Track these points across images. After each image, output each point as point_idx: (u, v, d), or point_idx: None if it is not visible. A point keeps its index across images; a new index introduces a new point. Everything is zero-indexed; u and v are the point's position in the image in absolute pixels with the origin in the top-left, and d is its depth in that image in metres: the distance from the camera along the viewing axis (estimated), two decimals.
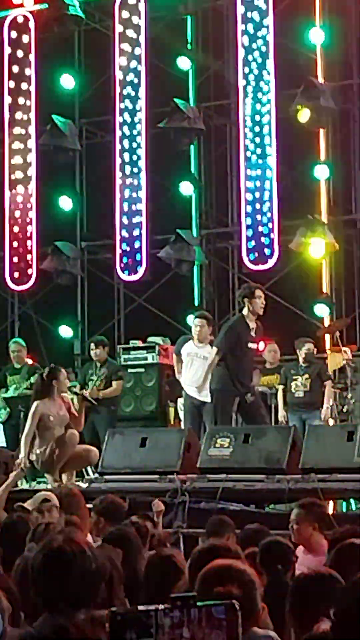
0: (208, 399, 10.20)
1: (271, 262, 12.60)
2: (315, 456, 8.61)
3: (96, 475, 9.68)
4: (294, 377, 11.23)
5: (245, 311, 9.97)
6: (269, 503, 8.76)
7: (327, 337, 11.79)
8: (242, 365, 9.94)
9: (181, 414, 11.32)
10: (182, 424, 11.03)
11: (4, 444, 12.07)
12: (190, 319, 12.77)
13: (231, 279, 13.27)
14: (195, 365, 10.28)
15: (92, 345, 11.79)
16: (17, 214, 14.20)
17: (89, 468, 10.16)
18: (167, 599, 4.32)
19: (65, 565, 3.51)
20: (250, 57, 12.81)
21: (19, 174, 14.24)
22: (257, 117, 12.72)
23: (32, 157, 14.18)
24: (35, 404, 9.79)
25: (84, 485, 9.47)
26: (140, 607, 1.74)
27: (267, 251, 12.62)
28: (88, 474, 10.10)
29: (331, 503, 8.80)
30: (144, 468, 9.18)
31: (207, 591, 3.17)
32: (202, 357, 10.24)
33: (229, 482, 8.68)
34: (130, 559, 4.97)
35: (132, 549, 5.22)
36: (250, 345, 10.02)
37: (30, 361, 12.47)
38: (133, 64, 13.54)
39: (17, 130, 14.31)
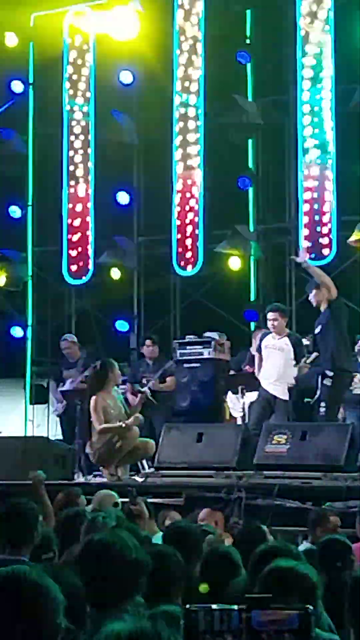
0: (284, 396, 10.18)
1: (329, 258, 12.52)
2: None
3: (152, 469, 9.71)
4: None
5: None
6: (325, 501, 8.71)
7: None
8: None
9: (231, 409, 11.32)
10: (238, 419, 11.02)
11: (61, 437, 12.17)
12: (248, 315, 12.76)
13: (288, 274, 13.19)
14: (272, 357, 10.33)
15: (147, 342, 11.84)
16: (75, 208, 14.28)
17: (144, 462, 10.19)
18: (223, 596, 4.32)
19: (104, 557, 3.54)
20: (309, 51, 12.73)
21: (77, 168, 14.32)
22: (316, 112, 12.64)
23: (90, 152, 14.25)
24: (93, 398, 9.85)
25: (139, 479, 9.51)
26: (214, 606, 1.74)
27: (324, 247, 12.54)
28: (143, 468, 10.13)
29: None
30: (200, 463, 9.19)
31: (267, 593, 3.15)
32: (279, 348, 10.29)
33: (285, 479, 8.65)
34: (189, 556, 4.97)
35: (191, 545, 5.22)
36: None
37: (84, 354, 12.55)
38: (192, 58, 13.53)
39: (75, 123, 14.38)
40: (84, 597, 3.17)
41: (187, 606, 1.72)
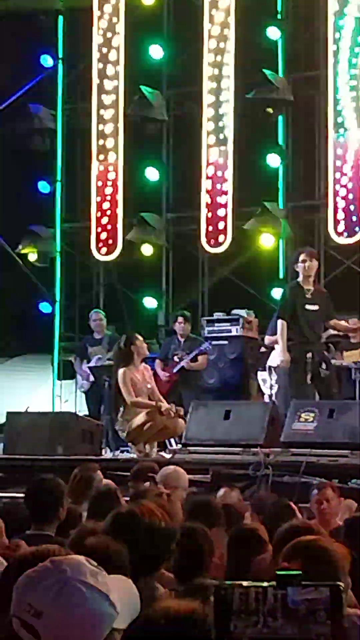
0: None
1: (358, 236, 12.43)
2: None
3: (179, 446, 9.72)
4: None
5: (299, 277, 10.18)
6: (352, 478, 8.69)
7: None
8: (301, 329, 9.93)
9: (263, 387, 11.30)
10: (265, 397, 11.01)
11: (87, 414, 12.20)
12: (275, 292, 12.71)
13: (317, 252, 13.11)
14: None
15: (180, 319, 11.82)
16: (104, 184, 14.25)
17: (171, 438, 10.20)
18: (249, 572, 4.32)
19: (133, 526, 3.57)
20: (341, 26, 12.59)
21: (106, 144, 14.27)
22: (346, 89, 12.52)
23: (119, 127, 14.20)
24: (120, 371, 9.85)
25: (167, 455, 9.52)
26: (245, 583, 1.72)
27: (354, 225, 12.45)
28: (171, 445, 10.14)
29: None
30: (228, 440, 9.19)
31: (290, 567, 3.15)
32: None
33: (312, 456, 8.64)
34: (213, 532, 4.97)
35: (215, 521, 5.23)
36: (308, 307, 10.01)
37: (110, 332, 12.56)
38: (222, 33, 13.43)
39: (105, 98, 14.33)
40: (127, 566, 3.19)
41: (218, 583, 1.71)
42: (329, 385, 9.96)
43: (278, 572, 1.72)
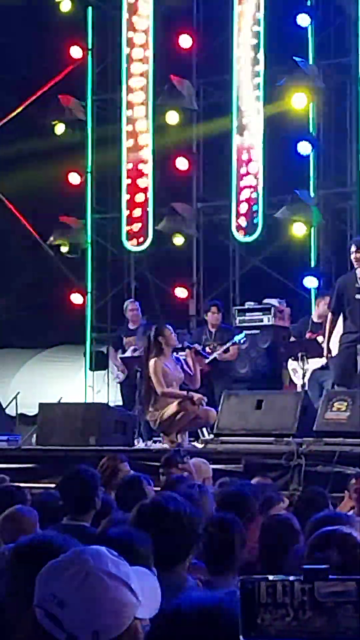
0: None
1: None
2: None
3: (211, 436, 9.71)
4: None
5: (355, 266, 10.09)
6: None
7: None
8: (350, 319, 9.85)
9: (293, 377, 11.27)
10: (297, 386, 10.97)
11: (121, 404, 12.23)
12: (307, 281, 12.65)
13: (348, 239, 13.03)
14: None
15: (213, 309, 11.80)
16: (134, 175, 14.24)
17: (203, 428, 10.20)
18: (283, 563, 4.31)
19: (158, 516, 3.58)
20: None
21: (135, 134, 14.26)
22: None
23: (149, 117, 14.18)
24: (152, 362, 9.85)
25: (199, 445, 9.52)
26: (271, 577, 1.71)
27: None
28: (203, 435, 10.14)
29: None
30: (260, 430, 9.18)
31: (310, 558, 3.16)
32: None
33: (345, 445, 8.60)
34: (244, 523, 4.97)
35: (247, 512, 5.21)
36: (358, 296, 9.93)
37: (144, 321, 12.57)
38: (252, 20, 13.36)
39: (134, 89, 14.31)
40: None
41: (244, 577, 1.69)
42: None
43: (304, 567, 1.70)
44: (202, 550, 4.17)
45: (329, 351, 10.17)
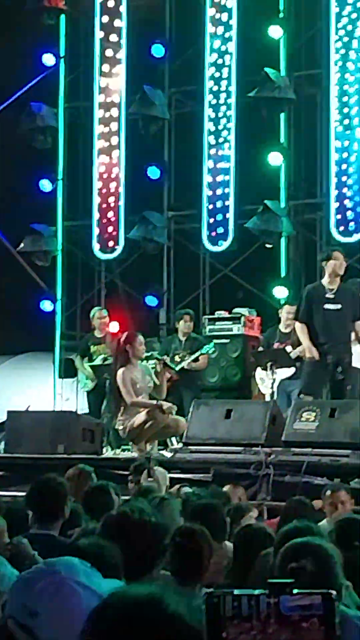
0: None
1: (359, 235, 12.44)
2: None
3: (180, 445, 9.72)
4: None
5: (324, 275, 10.10)
6: (353, 478, 8.69)
7: None
8: (317, 329, 9.89)
9: (261, 386, 11.31)
10: (266, 396, 11.01)
11: (87, 412, 12.21)
12: (277, 291, 12.70)
13: (319, 250, 13.11)
14: None
15: (186, 317, 11.82)
16: (105, 182, 14.26)
17: (172, 437, 10.21)
18: (253, 570, 4.31)
19: (125, 525, 3.59)
20: (342, 26, 12.59)
21: (107, 142, 14.28)
22: (346, 87, 12.53)
23: (121, 126, 14.20)
24: (120, 371, 9.86)
25: (168, 454, 9.53)
26: (237, 591, 1.72)
27: (354, 223, 12.46)
28: (172, 444, 10.15)
29: None
30: (229, 439, 9.20)
31: (282, 569, 3.16)
32: None
33: (314, 456, 8.64)
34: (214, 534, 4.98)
35: (216, 522, 5.24)
36: (327, 306, 9.95)
37: (112, 329, 12.56)
38: (224, 32, 13.43)
39: (107, 97, 14.33)
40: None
41: (209, 590, 1.71)
42: (342, 390, 9.86)
43: (270, 580, 1.72)
44: (169, 560, 4.18)
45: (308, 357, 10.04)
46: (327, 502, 6.77)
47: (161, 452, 9.86)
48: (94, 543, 3.27)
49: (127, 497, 6.18)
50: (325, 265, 10.16)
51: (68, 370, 13.69)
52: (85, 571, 2.01)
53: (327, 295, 9.96)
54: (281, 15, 13.41)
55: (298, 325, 10.12)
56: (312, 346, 9.87)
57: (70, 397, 13.46)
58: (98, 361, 12.29)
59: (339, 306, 9.93)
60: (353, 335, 10.00)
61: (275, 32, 13.26)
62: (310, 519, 4.89)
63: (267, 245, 12.87)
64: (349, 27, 12.58)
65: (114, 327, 13.07)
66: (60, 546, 4.33)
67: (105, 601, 1.71)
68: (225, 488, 7.23)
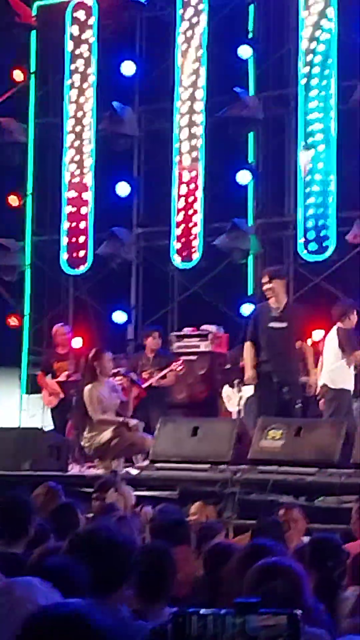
0: None
1: (327, 254, 12.52)
2: None
3: (147, 462, 9.71)
4: None
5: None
6: (319, 496, 8.72)
7: None
8: (262, 348, 9.93)
9: (227, 404, 11.33)
10: (233, 413, 11.03)
11: (52, 429, 12.16)
12: (244, 308, 12.75)
13: (286, 269, 13.18)
14: None
15: (155, 334, 11.82)
16: (74, 198, 14.25)
17: (139, 454, 10.19)
18: (221, 589, 4.31)
19: (92, 543, 3.59)
20: (311, 47, 12.71)
21: (77, 159, 14.29)
22: (317, 107, 12.64)
23: (90, 142, 14.22)
24: (87, 388, 9.85)
25: (134, 472, 9.51)
26: (203, 611, 1.73)
27: (323, 242, 12.54)
28: (138, 461, 10.13)
29: None
30: (195, 457, 9.20)
31: (254, 590, 3.17)
32: None
33: (280, 474, 8.66)
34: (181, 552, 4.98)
35: (181, 541, 5.23)
36: (272, 324, 9.99)
37: (76, 346, 12.54)
38: (194, 51, 13.51)
39: (77, 113, 14.35)
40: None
41: (175, 610, 1.71)
42: (289, 408, 9.91)
43: (236, 601, 1.73)
44: (134, 579, 4.17)
45: (258, 378, 10.09)
46: (280, 520, 6.79)
47: (127, 469, 9.84)
48: (61, 562, 3.26)
49: (89, 515, 6.17)
50: (264, 287, 10.28)
51: (34, 386, 13.64)
52: (44, 592, 2.00)
53: (273, 314, 10.04)
54: (250, 35, 13.52)
55: (246, 345, 10.14)
56: (251, 369, 9.94)
57: (36, 413, 13.40)
58: (62, 377, 12.26)
59: (284, 325, 10.00)
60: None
61: (245, 52, 13.36)
62: (280, 539, 4.92)
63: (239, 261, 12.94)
64: (318, 48, 12.69)
65: (77, 342, 13.05)
66: (24, 565, 4.30)
67: (33, 617, 1.71)
68: (195, 506, 7.23)
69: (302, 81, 12.73)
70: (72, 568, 3.20)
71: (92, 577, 3.28)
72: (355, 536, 6.46)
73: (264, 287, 10.23)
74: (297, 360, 10.11)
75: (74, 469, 10.27)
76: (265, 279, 10.28)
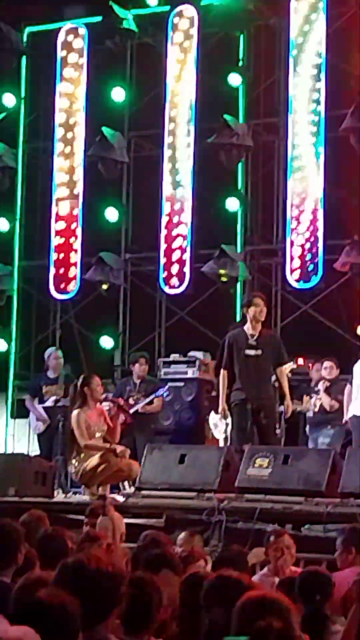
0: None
1: (315, 281, 12.55)
2: (355, 480, 8.55)
3: (133, 489, 9.67)
4: None
5: (246, 321, 10.16)
6: (305, 525, 8.69)
7: None
8: (237, 375, 9.90)
9: (214, 431, 11.30)
10: (220, 440, 11.00)
11: (38, 454, 12.10)
12: None
13: (274, 296, 13.21)
14: None
15: (142, 360, 11.79)
16: (63, 223, 14.27)
17: (125, 482, 10.14)
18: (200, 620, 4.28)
19: (80, 574, 3.56)
20: (301, 76, 12.80)
21: (66, 184, 14.31)
22: (304, 136, 12.71)
23: (79, 167, 14.25)
24: (75, 412, 9.82)
25: (120, 499, 9.47)
26: None
27: (311, 270, 12.57)
28: (124, 488, 10.09)
29: None
30: (182, 485, 9.16)
31: (247, 624, 3.12)
32: None
33: (266, 502, 8.63)
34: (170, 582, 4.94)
35: (172, 571, 5.19)
36: (248, 352, 9.98)
37: (65, 371, 12.51)
38: (184, 78, 13.57)
39: (66, 139, 14.38)
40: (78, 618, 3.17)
41: None
42: (267, 434, 9.88)
43: (226, 638, 1.71)
44: (120, 609, 4.13)
45: (229, 408, 10.04)
46: (271, 548, 6.73)
47: (113, 495, 9.79)
48: (53, 594, 3.23)
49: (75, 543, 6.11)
50: (246, 312, 10.23)
51: (20, 411, 13.58)
52: None
53: (248, 342, 10.02)
54: (241, 63, 13.60)
55: (221, 374, 10.10)
56: (223, 400, 9.91)
57: (22, 437, 13.34)
58: (49, 402, 12.21)
59: (259, 352, 9.98)
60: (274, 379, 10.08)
61: (235, 79, 13.44)
62: (242, 569, 4.87)
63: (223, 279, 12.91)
64: (307, 76, 12.77)
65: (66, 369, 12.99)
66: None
67: None
68: (181, 536, 7.18)
69: (292, 109, 12.80)
70: (65, 601, 3.17)
71: (82, 607, 3.26)
72: (339, 567, 6.42)
73: (256, 311, 10.16)
74: (272, 386, 10.10)
75: (59, 495, 10.21)
76: (261, 302, 10.24)
